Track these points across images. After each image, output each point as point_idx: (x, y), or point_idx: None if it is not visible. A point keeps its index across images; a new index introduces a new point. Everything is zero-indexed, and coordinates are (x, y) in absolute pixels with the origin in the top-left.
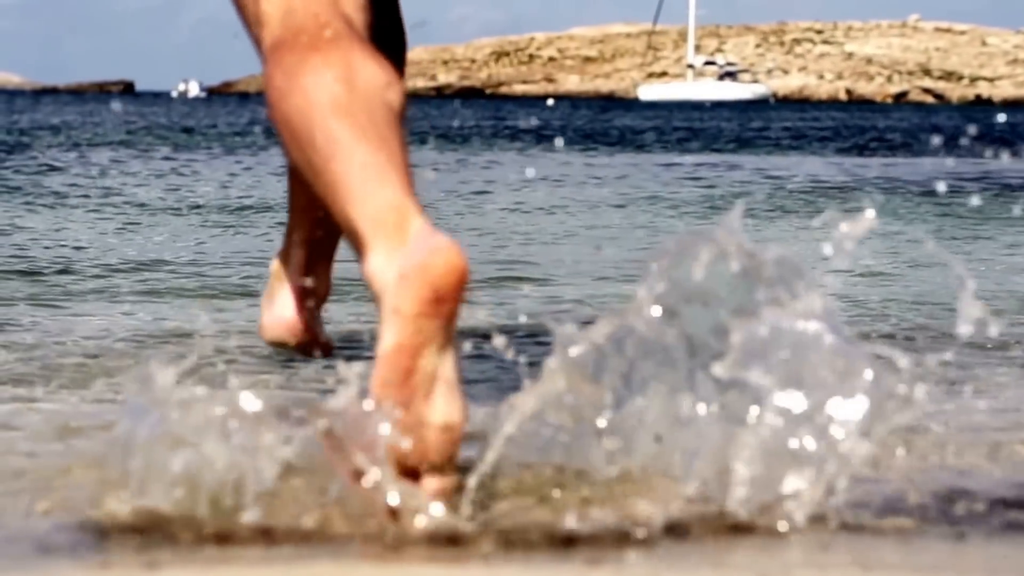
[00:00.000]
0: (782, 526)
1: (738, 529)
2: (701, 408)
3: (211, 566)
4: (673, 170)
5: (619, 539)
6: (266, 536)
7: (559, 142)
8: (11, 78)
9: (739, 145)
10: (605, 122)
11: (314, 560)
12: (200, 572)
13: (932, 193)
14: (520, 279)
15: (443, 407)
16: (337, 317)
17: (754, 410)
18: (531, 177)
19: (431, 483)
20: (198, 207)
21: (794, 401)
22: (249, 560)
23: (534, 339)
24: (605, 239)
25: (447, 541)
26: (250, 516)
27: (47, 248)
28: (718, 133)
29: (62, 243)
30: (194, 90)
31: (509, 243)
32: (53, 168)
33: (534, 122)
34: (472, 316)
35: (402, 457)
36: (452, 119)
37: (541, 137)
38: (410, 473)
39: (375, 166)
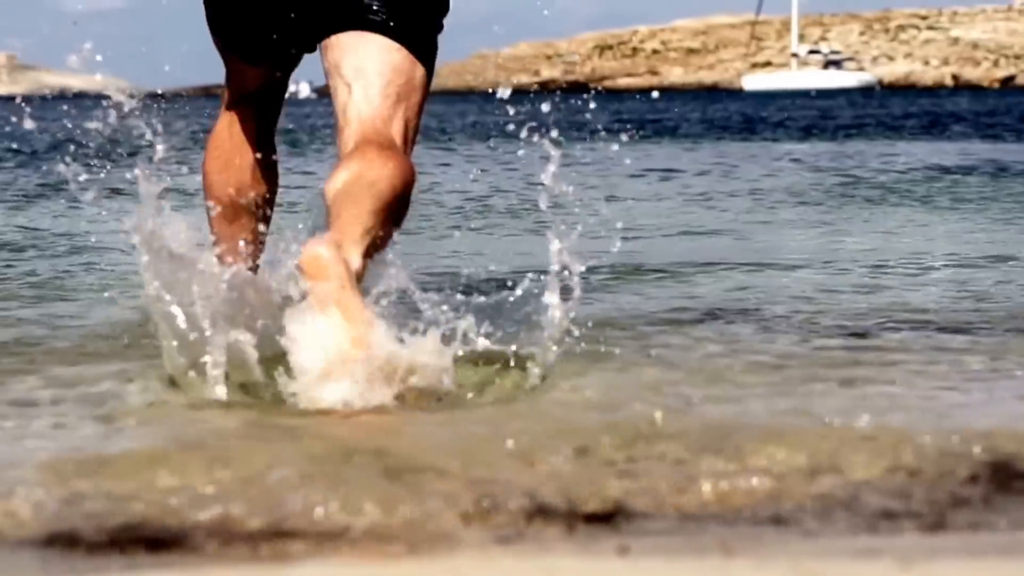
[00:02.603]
0: None
1: None
2: None
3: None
4: (791, 158)
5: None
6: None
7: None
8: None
9: (855, 133)
10: (714, 112)
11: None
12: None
13: None
14: (651, 271)
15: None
16: None
17: None
18: (651, 168)
19: None
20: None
21: None
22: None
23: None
24: (731, 231)
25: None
26: None
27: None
28: (830, 121)
29: None
30: (304, 91)
31: (635, 235)
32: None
33: (647, 115)
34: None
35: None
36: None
37: (659, 129)
38: None
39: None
